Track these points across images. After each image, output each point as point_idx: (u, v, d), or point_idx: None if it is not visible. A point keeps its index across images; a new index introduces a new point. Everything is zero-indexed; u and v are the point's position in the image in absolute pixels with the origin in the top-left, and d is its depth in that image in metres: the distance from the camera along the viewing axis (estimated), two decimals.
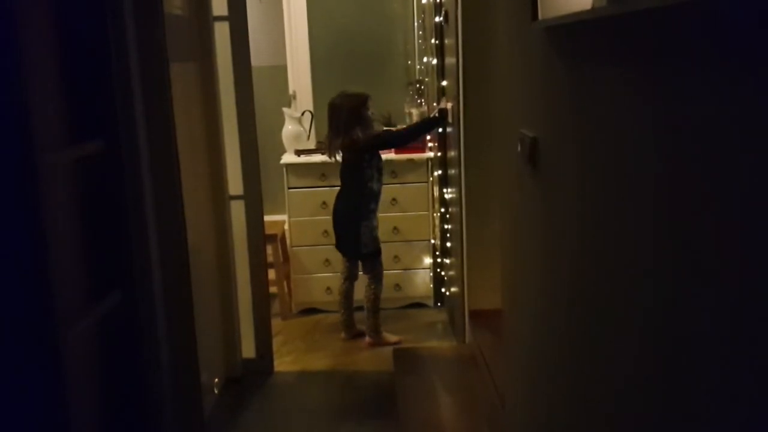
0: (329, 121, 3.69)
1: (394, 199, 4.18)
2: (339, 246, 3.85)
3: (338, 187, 3.88)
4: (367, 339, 3.83)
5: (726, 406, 0.82)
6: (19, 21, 1.44)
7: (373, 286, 3.80)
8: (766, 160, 0.70)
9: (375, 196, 3.73)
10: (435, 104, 3.93)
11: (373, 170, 3.69)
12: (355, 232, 3.70)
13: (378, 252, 3.79)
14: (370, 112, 3.66)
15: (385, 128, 4.17)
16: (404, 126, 4.10)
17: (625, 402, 1.16)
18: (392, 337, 3.83)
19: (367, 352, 3.76)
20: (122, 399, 1.98)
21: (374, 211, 3.74)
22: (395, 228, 4.23)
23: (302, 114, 4.52)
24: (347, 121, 3.59)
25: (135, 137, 2.04)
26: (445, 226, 4.03)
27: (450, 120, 3.65)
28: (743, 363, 0.77)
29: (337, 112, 3.64)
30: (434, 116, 3.76)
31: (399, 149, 4.17)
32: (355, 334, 3.91)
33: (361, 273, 3.87)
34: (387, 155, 4.15)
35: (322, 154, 4.25)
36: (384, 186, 4.03)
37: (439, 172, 4.01)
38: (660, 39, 0.95)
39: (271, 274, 4.01)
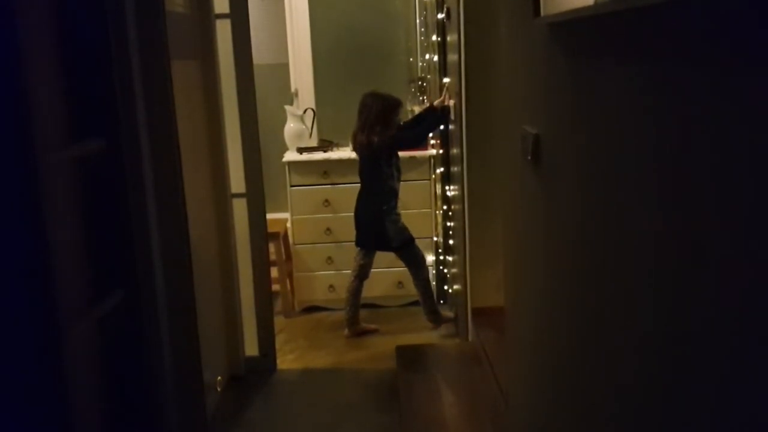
0: (358, 115, 3.73)
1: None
2: (362, 243, 3.85)
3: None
4: (431, 324, 3.90)
5: (728, 404, 0.82)
6: (19, 19, 1.44)
7: (416, 272, 3.85)
8: None
9: (395, 194, 3.78)
10: (437, 102, 3.92)
11: (393, 169, 3.74)
12: (380, 229, 3.73)
13: (411, 240, 3.82)
14: (398, 119, 3.68)
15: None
16: (410, 123, 4.03)
17: (627, 399, 1.15)
18: (448, 313, 3.96)
19: (370, 350, 3.76)
20: (125, 397, 1.98)
21: (395, 207, 3.79)
22: None
23: (304, 112, 4.52)
24: (373, 122, 3.63)
25: (136, 136, 2.04)
26: (448, 224, 4.02)
27: (452, 117, 3.64)
28: (746, 362, 0.77)
29: (366, 110, 3.67)
30: (435, 113, 3.77)
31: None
32: (358, 332, 3.91)
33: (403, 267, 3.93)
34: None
35: (325, 151, 4.25)
36: None
37: (442, 169, 4.00)
38: (663, 35, 0.95)
39: (274, 272, 4.01)
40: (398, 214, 3.80)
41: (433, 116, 3.80)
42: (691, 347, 0.90)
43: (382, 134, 3.63)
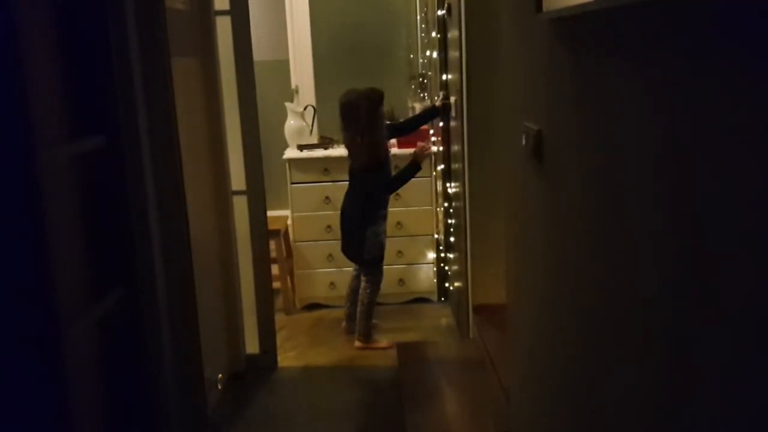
0: (346, 120, 3.57)
1: (397, 194, 4.17)
2: (344, 249, 3.80)
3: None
4: (357, 343, 3.77)
5: (730, 405, 0.81)
6: (19, 16, 1.43)
7: (368, 291, 3.74)
8: None
9: (386, 202, 3.70)
10: (436, 97, 3.92)
11: (389, 175, 3.67)
12: (360, 236, 3.65)
13: (380, 259, 3.75)
14: (384, 110, 3.63)
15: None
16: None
17: (629, 397, 1.15)
18: (382, 342, 3.78)
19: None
20: (126, 395, 1.98)
21: (384, 217, 3.70)
22: (399, 223, 4.22)
23: (305, 109, 4.51)
24: (368, 122, 3.51)
25: (136, 133, 2.04)
26: (449, 221, 4.02)
27: (453, 114, 3.63)
28: (748, 363, 0.76)
29: (355, 110, 3.52)
30: (434, 106, 3.79)
31: (402, 144, 4.17)
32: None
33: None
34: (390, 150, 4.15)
35: (326, 148, 4.24)
36: None
37: (443, 166, 3.99)
38: (668, 30, 0.94)
39: (275, 269, 4.00)
40: (384, 226, 3.71)
41: (430, 110, 3.87)
42: (694, 346, 0.90)
43: (382, 128, 3.59)
